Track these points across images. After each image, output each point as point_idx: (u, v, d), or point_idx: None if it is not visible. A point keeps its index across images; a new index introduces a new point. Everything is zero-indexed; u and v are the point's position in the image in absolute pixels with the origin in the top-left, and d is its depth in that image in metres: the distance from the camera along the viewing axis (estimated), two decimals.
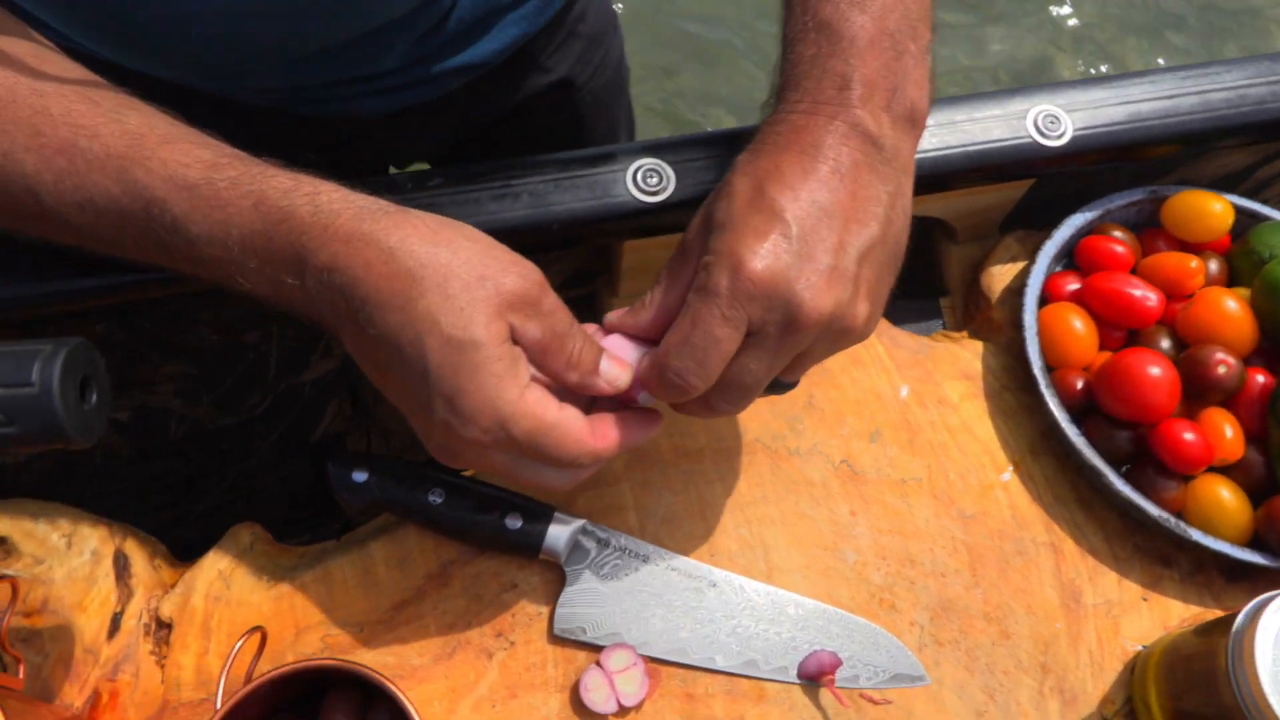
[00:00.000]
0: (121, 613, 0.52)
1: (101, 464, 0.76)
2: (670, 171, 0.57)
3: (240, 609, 0.52)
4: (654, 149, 0.58)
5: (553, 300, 0.43)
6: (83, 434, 0.36)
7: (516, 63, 0.74)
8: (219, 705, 0.41)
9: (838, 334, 0.43)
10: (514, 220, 0.57)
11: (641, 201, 0.57)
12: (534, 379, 0.42)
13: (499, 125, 0.79)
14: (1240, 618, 0.46)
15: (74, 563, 0.53)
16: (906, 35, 0.45)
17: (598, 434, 0.43)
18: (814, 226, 0.41)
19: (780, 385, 0.46)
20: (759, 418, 0.59)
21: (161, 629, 0.52)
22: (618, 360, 0.45)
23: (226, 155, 0.43)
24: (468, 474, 0.54)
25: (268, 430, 0.82)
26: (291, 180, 0.42)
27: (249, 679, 0.42)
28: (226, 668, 0.42)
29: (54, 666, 0.51)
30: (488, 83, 0.73)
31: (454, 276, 0.40)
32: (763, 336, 0.42)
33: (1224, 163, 0.76)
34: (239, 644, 0.43)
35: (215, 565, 0.54)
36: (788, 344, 0.42)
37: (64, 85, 0.43)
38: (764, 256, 0.40)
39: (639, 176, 0.57)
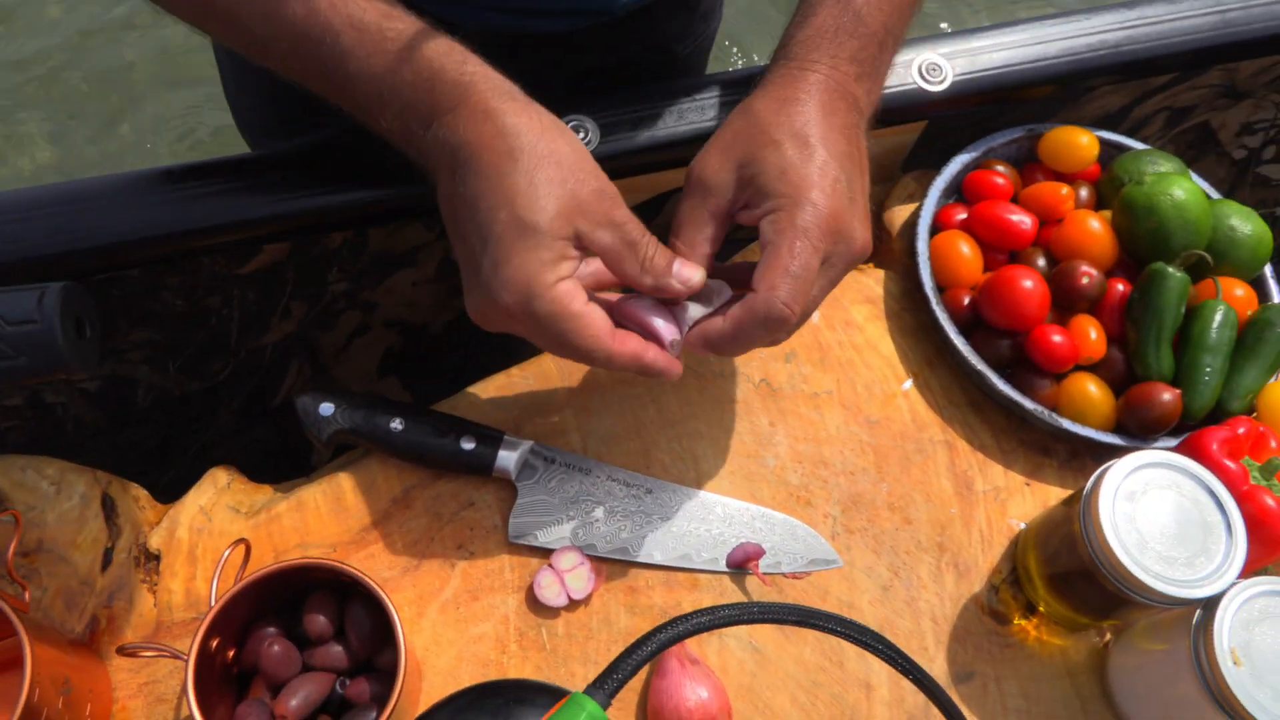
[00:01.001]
0: (113, 548, 0.57)
1: (73, 435, 0.81)
2: (594, 126, 0.63)
3: (222, 538, 0.58)
4: (579, 105, 0.64)
5: (625, 213, 0.49)
6: (81, 364, 0.41)
7: (632, 20, 0.77)
8: (213, 603, 0.46)
9: (856, 264, 0.51)
10: None
11: None
12: (592, 299, 0.48)
13: (591, 75, 0.79)
14: (1088, 484, 0.53)
15: (64, 506, 0.58)
16: (892, 39, 0.55)
17: (618, 339, 0.48)
18: (849, 174, 0.50)
19: None
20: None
21: (150, 560, 0.57)
22: (690, 263, 0.50)
23: (399, 8, 0.49)
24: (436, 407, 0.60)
25: (231, 396, 0.86)
26: (447, 45, 0.48)
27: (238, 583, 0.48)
28: (218, 571, 0.48)
29: (53, 599, 0.56)
30: (602, 32, 0.75)
31: (543, 168, 0.46)
32: (828, 267, 0.49)
33: (1101, 104, 0.84)
34: (226, 553, 0.49)
35: (196, 501, 0.59)
36: (841, 272, 0.50)
37: None
38: (836, 198, 0.48)
39: None
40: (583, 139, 0.63)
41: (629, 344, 0.49)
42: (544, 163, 0.47)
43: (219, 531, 0.58)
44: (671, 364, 0.51)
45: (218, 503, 0.59)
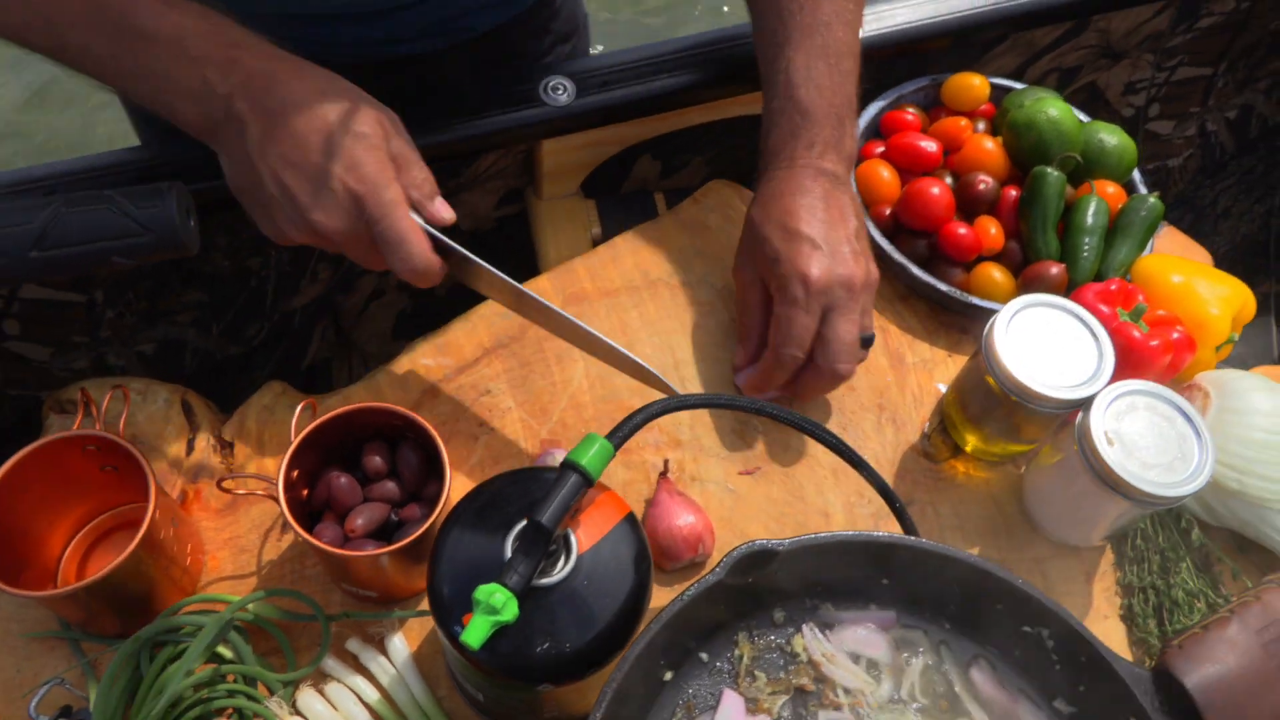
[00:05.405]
0: (194, 438, 0.69)
1: None
2: (570, 84, 0.77)
3: (285, 426, 0.69)
4: (559, 70, 0.78)
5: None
6: (190, 244, 0.54)
7: (491, 39, 0.84)
8: (293, 438, 0.58)
9: (866, 286, 0.68)
10: (460, 134, 0.76)
11: (550, 106, 0.76)
12: None
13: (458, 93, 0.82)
14: (988, 324, 0.66)
15: (150, 409, 0.69)
16: (848, 107, 0.71)
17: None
18: (827, 235, 0.67)
19: (866, 341, 0.69)
20: (657, 263, 0.79)
21: (226, 446, 0.69)
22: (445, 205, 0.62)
23: None
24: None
25: (265, 360, 0.98)
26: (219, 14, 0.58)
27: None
28: (295, 420, 0.59)
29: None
30: (463, 51, 0.83)
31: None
32: (839, 307, 0.66)
33: (999, 65, 0.99)
34: (299, 408, 0.61)
35: (260, 402, 0.71)
36: (852, 304, 0.67)
37: None
38: (815, 265, 0.66)
39: (548, 89, 0.77)
40: (561, 95, 0.77)
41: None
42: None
43: (282, 421, 0.70)
44: (431, 268, 0.60)
45: (277, 403, 0.71)
